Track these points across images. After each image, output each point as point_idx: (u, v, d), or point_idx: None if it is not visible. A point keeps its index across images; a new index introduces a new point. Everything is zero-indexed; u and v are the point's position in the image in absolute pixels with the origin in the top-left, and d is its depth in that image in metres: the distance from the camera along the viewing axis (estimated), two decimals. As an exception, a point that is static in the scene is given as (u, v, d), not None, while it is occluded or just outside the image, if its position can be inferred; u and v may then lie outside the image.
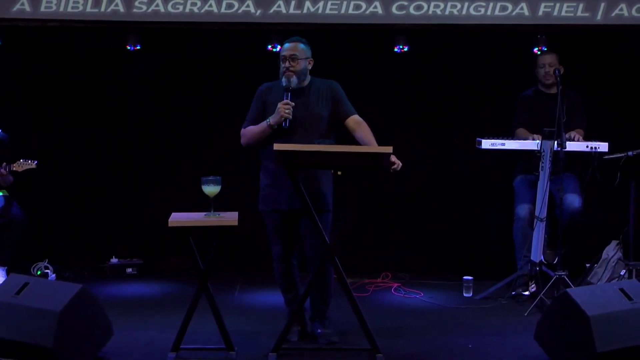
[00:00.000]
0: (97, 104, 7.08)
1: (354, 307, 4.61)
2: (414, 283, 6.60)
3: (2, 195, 6.32)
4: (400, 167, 4.64)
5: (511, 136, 6.19)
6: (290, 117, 4.76)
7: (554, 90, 6.16)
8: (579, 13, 6.36)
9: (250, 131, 4.92)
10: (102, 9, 6.32)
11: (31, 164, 6.20)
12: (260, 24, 6.41)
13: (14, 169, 6.17)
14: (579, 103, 6.26)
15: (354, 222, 6.61)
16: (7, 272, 6.10)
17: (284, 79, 4.86)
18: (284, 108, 4.75)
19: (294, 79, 4.85)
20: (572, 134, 5.97)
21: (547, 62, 6.25)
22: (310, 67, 4.96)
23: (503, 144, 5.98)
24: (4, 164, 6.16)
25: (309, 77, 4.97)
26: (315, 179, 4.87)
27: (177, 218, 4.62)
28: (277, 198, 4.92)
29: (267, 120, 4.82)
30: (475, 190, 7.09)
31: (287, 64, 4.86)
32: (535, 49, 6.46)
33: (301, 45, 4.92)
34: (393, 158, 4.61)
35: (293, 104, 4.79)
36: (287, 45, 4.92)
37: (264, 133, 4.85)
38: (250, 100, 5.07)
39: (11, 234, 6.20)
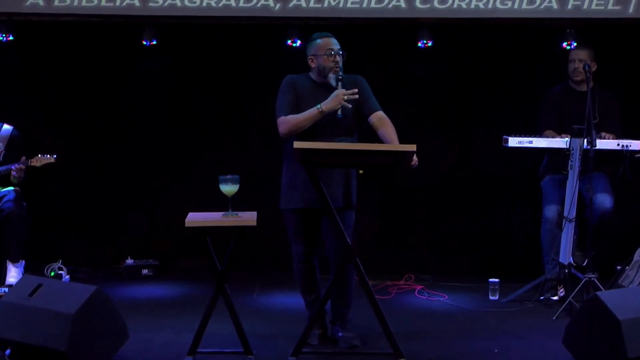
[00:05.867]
0: (112, 100, 7.05)
1: (376, 309, 4.55)
2: (438, 285, 6.53)
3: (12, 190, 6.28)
4: (417, 163, 4.63)
5: (538, 135, 6.07)
6: (349, 105, 4.72)
7: (584, 88, 6.02)
8: (610, 6, 6.28)
9: (295, 119, 4.79)
10: (117, 3, 6.30)
11: (50, 159, 6.18)
12: (280, 18, 6.37)
13: (32, 164, 6.14)
14: (613, 105, 6.13)
15: (376, 223, 6.53)
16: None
17: (331, 75, 4.81)
18: (344, 95, 4.69)
19: (340, 74, 4.82)
20: (603, 133, 5.86)
21: (578, 58, 6.10)
22: None
23: (530, 142, 5.86)
24: (23, 158, 6.13)
25: None
26: (344, 175, 4.85)
27: (194, 218, 4.58)
28: (299, 196, 4.87)
29: (318, 106, 4.72)
30: (501, 189, 7.00)
31: (337, 59, 4.84)
32: (564, 44, 6.36)
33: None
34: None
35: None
36: (332, 39, 4.90)
37: (313, 120, 4.76)
38: (270, 95, 5.00)
39: (11, 227, 6.12)
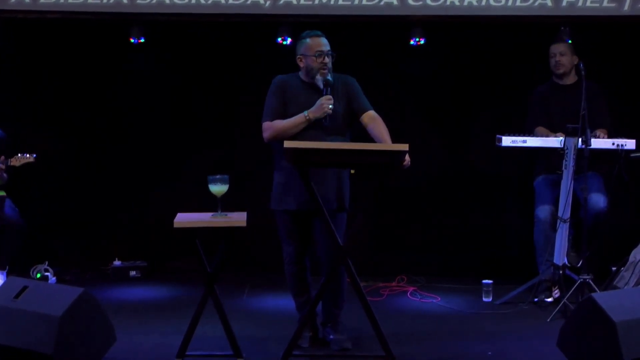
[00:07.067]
0: (99, 99, 6.99)
1: (367, 312, 4.51)
2: (430, 287, 6.52)
3: None
4: (409, 164, 4.58)
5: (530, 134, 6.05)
6: (331, 112, 4.67)
7: (568, 81, 6.09)
8: (605, 3, 6.28)
9: (281, 125, 4.75)
10: (105, 0, 6.26)
11: (29, 158, 6.15)
12: (270, 15, 6.34)
13: (12, 163, 6.11)
14: (600, 97, 6.08)
15: (368, 223, 6.51)
16: (7, 275, 6.06)
17: (319, 77, 4.75)
18: (328, 103, 4.66)
19: (329, 76, 4.76)
20: (597, 132, 5.82)
21: (558, 51, 6.12)
22: None
23: (524, 141, 5.83)
24: (2, 157, 6.07)
25: None
26: (337, 176, 4.80)
27: (183, 218, 4.55)
28: (290, 197, 4.82)
29: (305, 113, 4.69)
30: (494, 189, 6.97)
31: (326, 60, 4.77)
32: (559, 42, 6.35)
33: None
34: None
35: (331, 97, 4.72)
36: (322, 39, 4.82)
37: (300, 127, 4.72)
38: (260, 95, 4.95)
39: (7, 237, 6.11)
